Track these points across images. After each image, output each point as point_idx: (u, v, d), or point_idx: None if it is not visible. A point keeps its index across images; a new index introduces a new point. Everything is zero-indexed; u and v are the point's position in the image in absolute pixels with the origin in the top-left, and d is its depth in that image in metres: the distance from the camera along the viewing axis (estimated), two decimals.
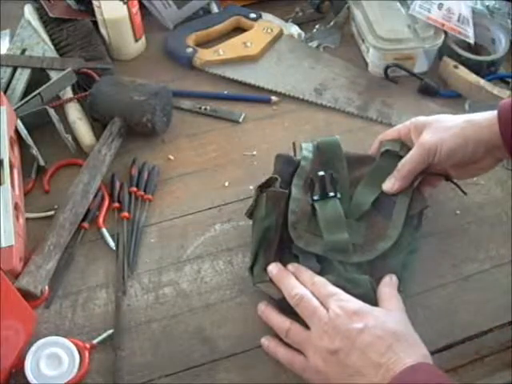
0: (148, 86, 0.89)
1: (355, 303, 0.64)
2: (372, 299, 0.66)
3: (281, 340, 0.67)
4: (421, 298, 0.69)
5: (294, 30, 1.04)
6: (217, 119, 0.93)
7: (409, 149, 0.75)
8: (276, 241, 0.71)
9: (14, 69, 0.95)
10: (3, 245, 0.73)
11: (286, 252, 0.72)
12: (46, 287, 0.74)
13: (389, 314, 0.63)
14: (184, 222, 0.80)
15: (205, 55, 0.99)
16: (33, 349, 0.68)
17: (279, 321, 0.67)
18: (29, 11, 1.04)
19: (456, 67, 0.93)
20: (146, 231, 0.79)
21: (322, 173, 0.74)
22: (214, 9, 1.07)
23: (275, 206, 0.72)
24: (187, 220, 0.80)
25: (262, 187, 0.74)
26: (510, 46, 0.95)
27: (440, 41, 0.95)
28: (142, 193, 0.83)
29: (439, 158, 0.71)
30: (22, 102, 0.90)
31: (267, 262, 0.70)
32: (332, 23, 1.04)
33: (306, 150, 0.78)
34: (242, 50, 1.00)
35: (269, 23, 1.04)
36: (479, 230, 0.78)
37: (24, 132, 0.87)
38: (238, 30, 1.05)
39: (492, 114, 0.71)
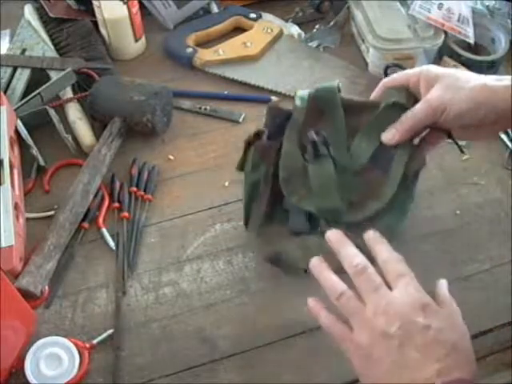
0: (148, 85, 0.89)
1: (426, 296, 0.58)
2: None
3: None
4: None
5: (294, 30, 1.04)
6: (217, 119, 0.93)
7: (416, 100, 0.70)
8: (267, 193, 0.71)
9: (14, 69, 0.95)
10: (3, 245, 0.73)
11: (277, 207, 0.72)
12: (46, 287, 0.74)
13: (453, 319, 0.59)
14: (184, 222, 0.80)
15: (205, 55, 0.99)
16: (33, 349, 0.68)
17: (334, 280, 0.59)
18: (29, 11, 1.03)
19: (456, 67, 0.93)
20: (145, 231, 0.79)
21: (313, 136, 0.70)
22: (214, 9, 1.07)
23: (263, 158, 0.71)
24: (187, 220, 0.80)
25: (250, 142, 0.73)
26: (510, 46, 0.95)
27: (440, 41, 0.95)
28: (142, 193, 0.83)
29: (446, 119, 0.68)
30: (22, 102, 0.90)
31: (259, 215, 0.71)
32: (332, 23, 1.04)
33: (300, 100, 0.74)
34: (242, 50, 1.00)
35: (269, 23, 1.03)
36: (479, 229, 0.78)
37: (24, 132, 0.87)
38: (238, 29, 1.05)
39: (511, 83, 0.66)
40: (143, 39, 1.03)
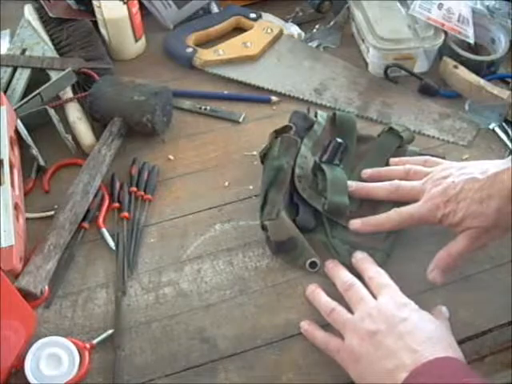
0: (148, 86, 0.89)
1: (406, 299, 0.66)
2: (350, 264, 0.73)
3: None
4: (420, 297, 0.69)
5: (294, 29, 1.04)
6: (217, 119, 0.92)
7: (412, 135, 0.83)
8: (286, 183, 0.77)
9: (14, 69, 0.95)
10: (3, 245, 0.73)
11: (289, 200, 0.78)
12: (46, 287, 0.74)
13: (435, 320, 0.65)
14: (184, 222, 0.80)
15: (205, 55, 0.99)
16: (33, 349, 0.68)
17: (326, 300, 0.70)
18: (29, 11, 1.04)
19: (456, 67, 0.92)
20: (145, 231, 0.79)
21: (340, 140, 0.81)
22: (214, 9, 1.07)
23: (287, 150, 0.79)
24: (187, 220, 0.80)
25: (278, 132, 0.80)
26: (510, 45, 0.95)
27: (440, 41, 0.94)
28: (142, 193, 0.82)
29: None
30: (22, 102, 0.90)
31: (276, 202, 0.75)
32: (332, 23, 1.04)
33: (321, 117, 0.86)
34: (241, 49, 0.99)
35: (269, 23, 1.03)
36: None
37: (24, 132, 0.87)
38: (238, 30, 1.05)
39: None
40: (143, 39, 1.03)
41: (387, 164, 0.81)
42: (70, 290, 0.74)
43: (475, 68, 0.92)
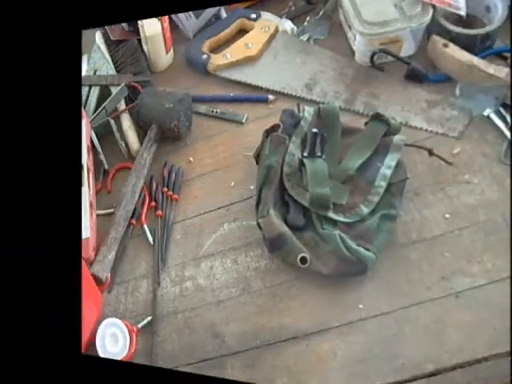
0: (174, 93, 0.38)
1: None
2: (342, 254, 0.27)
3: None
4: (406, 312, 0.24)
5: (288, 25, 0.42)
6: (224, 121, 0.40)
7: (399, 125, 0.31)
8: (275, 181, 0.32)
9: (90, 87, 0.44)
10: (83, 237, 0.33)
11: (279, 199, 0.32)
12: (109, 274, 0.35)
13: None
14: (201, 221, 0.35)
15: (216, 60, 0.42)
16: (101, 326, 0.31)
17: None
18: (98, 37, 0.47)
19: (446, 46, 0.32)
20: (173, 228, 0.35)
21: (315, 130, 0.33)
22: (223, 14, 0.46)
23: (276, 149, 0.33)
24: (203, 218, 0.35)
25: (268, 132, 0.34)
26: (508, 13, 0.31)
27: (428, 17, 0.33)
28: (171, 193, 0.37)
29: None
30: (95, 114, 0.41)
31: (267, 200, 0.31)
32: (321, 13, 0.41)
33: (308, 113, 0.35)
34: (244, 51, 0.41)
35: (267, 22, 0.42)
36: (472, 237, 0.27)
37: (95, 141, 0.40)
38: (243, 31, 0.44)
39: None
40: (171, 51, 0.46)
41: (374, 152, 0.30)
42: (123, 278, 0.34)
43: (468, 44, 0.32)
